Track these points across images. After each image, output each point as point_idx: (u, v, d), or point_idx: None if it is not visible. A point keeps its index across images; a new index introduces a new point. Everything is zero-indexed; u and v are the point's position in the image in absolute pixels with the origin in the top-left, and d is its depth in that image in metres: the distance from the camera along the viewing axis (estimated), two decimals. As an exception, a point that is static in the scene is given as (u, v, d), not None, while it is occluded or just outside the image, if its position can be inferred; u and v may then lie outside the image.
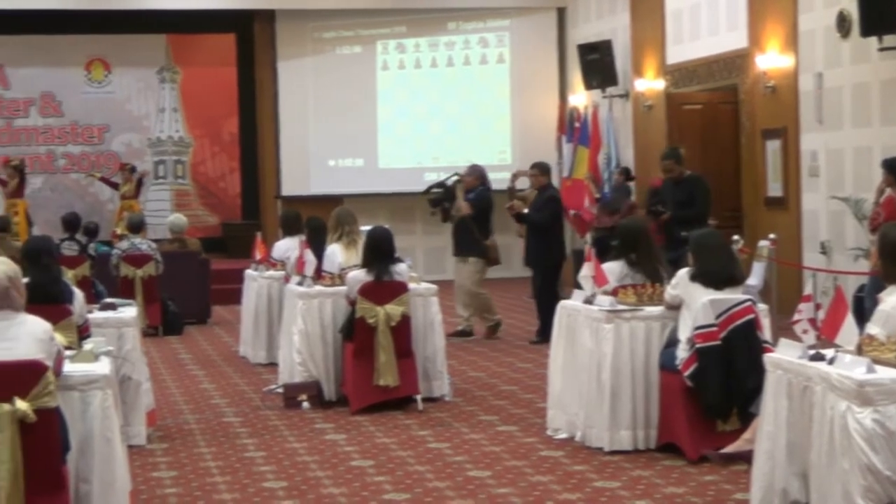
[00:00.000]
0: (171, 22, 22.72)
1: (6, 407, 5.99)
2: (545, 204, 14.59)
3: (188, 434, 9.81)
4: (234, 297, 16.32)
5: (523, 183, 15.63)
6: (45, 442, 6.10)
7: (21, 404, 5.99)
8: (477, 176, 14.98)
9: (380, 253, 10.52)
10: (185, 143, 23.51)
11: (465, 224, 14.71)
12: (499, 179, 17.39)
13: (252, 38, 23.23)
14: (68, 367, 6.60)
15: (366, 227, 11.33)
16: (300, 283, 11.19)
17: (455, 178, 15.01)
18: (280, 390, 11.04)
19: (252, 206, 23.47)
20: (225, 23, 23.08)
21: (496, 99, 22.33)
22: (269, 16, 22.79)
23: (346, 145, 22.62)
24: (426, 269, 19.33)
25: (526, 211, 14.72)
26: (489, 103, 22.33)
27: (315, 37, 22.68)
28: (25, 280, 6.61)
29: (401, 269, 10.59)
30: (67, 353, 6.79)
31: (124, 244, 16.10)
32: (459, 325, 14.82)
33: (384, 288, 10.37)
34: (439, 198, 15.14)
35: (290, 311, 11.27)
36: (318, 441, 9.40)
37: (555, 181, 16.85)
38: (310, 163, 22.73)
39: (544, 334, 13.32)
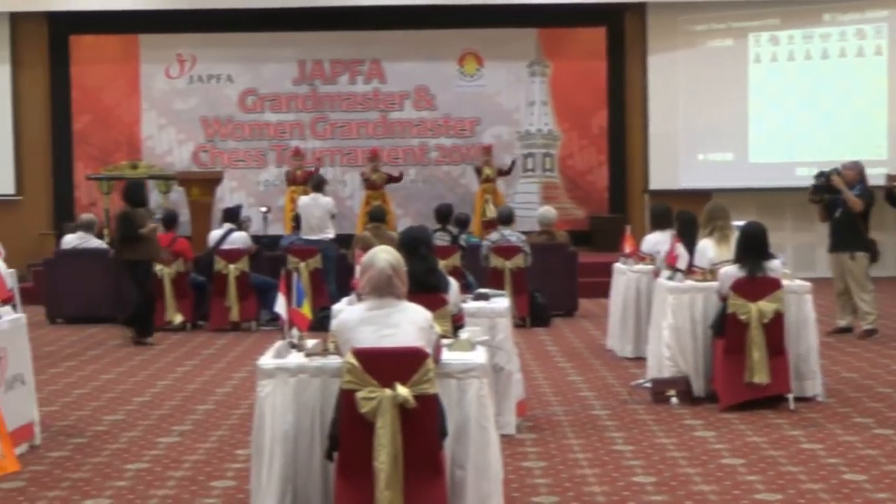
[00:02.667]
0: (542, 15, 22.97)
1: (388, 392, 6.15)
2: None
3: (557, 425, 9.86)
4: (600, 290, 16.38)
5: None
6: (424, 427, 6.23)
7: (402, 390, 6.14)
8: (857, 171, 14.61)
9: (753, 249, 10.34)
10: (554, 136, 23.68)
11: (851, 219, 14.35)
12: (875, 175, 16.82)
13: (622, 31, 23.24)
14: (446, 355, 6.74)
15: (737, 223, 11.16)
16: (670, 278, 11.10)
17: (834, 171, 14.61)
18: (648, 385, 10.98)
19: (619, 200, 23.47)
20: (596, 16, 23.18)
21: (872, 92, 21.61)
22: (640, 9, 22.77)
23: (716, 139, 22.38)
24: (796, 265, 18.88)
25: None
26: (865, 96, 21.64)
27: (686, 30, 22.51)
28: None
29: (774, 266, 10.38)
30: (445, 341, 6.93)
31: (494, 236, 16.34)
32: (866, 324, 14.44)
33: (757, 284, 10.19)
34: (821, 186, 14.71)
35: (660, 306, 11.19)
36: (687, 437, 9.31)
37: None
38: (678, 157, 22.61)
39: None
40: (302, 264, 16.18)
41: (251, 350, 14.13)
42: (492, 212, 20.33)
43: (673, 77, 22.62)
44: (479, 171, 21.92)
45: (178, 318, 16.07)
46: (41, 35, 23.29)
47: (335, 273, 16.71)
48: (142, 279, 15.00)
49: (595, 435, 9.46)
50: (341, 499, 6.37)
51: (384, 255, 6.51)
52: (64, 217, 22.41)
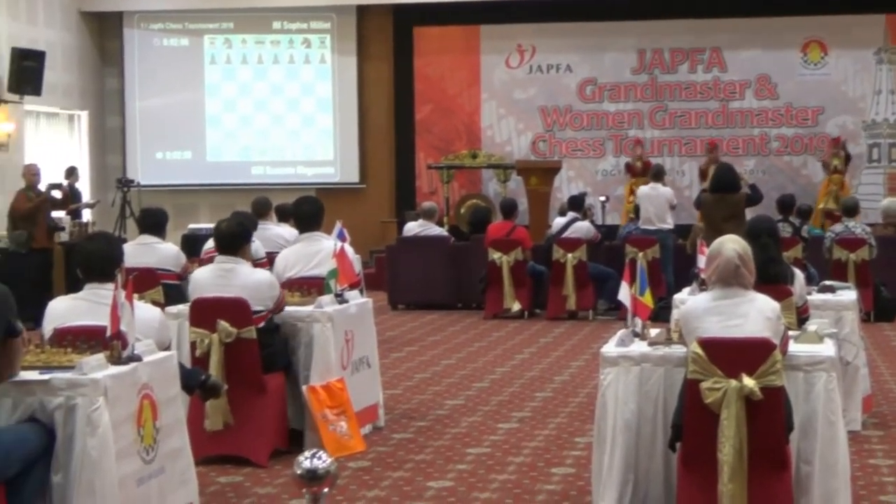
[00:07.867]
0: (890, 1, 22.25)
1: (733, 383, 6.05)
2: None
3: (905, 423, 9.56)
4: (950, 285, 15.77)
5: None
6: (770, 420, 6.11)
7: (748, 381, 6.03)
8: None
9: None
10: (905, 126, 22.97)
11: None
12: None
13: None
14: (793, 347, 6.59)
15: None
16: None
17: None
18: None
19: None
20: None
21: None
22: None
23: None
24: None
25: None
26: None
27: None
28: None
29: None
30: (792, 333, 6.78)
31: (838, 227, 15.96)
32: None
33: None
34: None
35: None
36: None
37: None
38: None
39: None
40: (640, 254, 16.12)
41: (588, 339, 14.17)
42: (837, 203, 19.84)
43: None
44: (825, 165, 21.47)
45: (516, 306, 16.22)
46: (386, 27, 23.87)
47: (673, 263, 16.60)
48: None
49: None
50: (683, 489, 6.31)
51: (731, 245, 6.40)
52: (405, 205, 22.97)
